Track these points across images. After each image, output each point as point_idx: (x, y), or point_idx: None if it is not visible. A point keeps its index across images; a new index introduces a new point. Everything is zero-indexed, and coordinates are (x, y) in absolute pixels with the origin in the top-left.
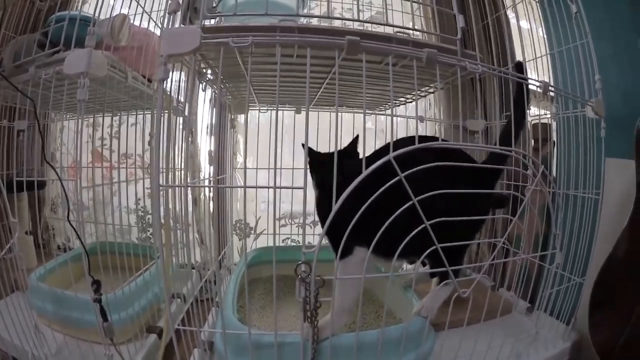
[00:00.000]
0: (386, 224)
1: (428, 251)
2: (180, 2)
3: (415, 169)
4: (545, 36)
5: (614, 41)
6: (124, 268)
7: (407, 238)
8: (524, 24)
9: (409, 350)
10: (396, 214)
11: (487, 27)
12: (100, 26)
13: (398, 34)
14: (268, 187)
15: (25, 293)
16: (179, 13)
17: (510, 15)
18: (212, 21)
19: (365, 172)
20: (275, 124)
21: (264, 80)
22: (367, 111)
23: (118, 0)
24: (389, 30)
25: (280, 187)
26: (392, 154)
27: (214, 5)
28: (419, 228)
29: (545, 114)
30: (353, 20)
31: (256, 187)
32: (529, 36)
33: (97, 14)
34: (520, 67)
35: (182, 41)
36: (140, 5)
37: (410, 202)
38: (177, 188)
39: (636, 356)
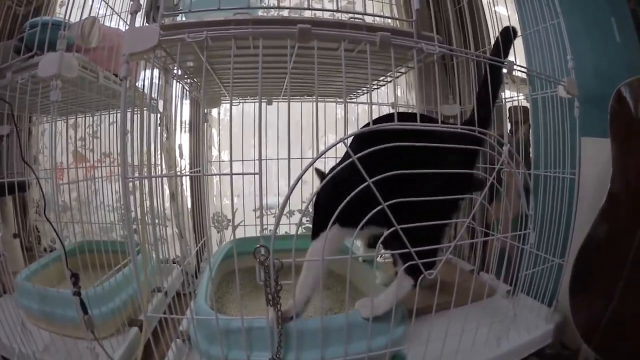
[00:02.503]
0: (347, 198)
1: (387, 232)
2: (142, 2)
3: (377, 148)
4: (518, 18)
5: (587, 20)
6: (108, 265)
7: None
8: (500, 9)
9: (378, 334)
10: (355, 192)
11: (461, 11)
12: (72, 29)
13: (352, 19)
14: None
15: (13, 295)
16: (142, 12)
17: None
18: (183, 18)
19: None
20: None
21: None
22: (338, 100)
23: (89, 2)
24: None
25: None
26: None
27: (175, 3)
28: (378, 208)
29: (519, 96)
30: (302, 8)
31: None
32: (500, 19)
33: (68, 18)
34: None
35: (142, 39)
36: (110, 6)
37: (365, 184)
38: (153, 183)
39: (619, 336)
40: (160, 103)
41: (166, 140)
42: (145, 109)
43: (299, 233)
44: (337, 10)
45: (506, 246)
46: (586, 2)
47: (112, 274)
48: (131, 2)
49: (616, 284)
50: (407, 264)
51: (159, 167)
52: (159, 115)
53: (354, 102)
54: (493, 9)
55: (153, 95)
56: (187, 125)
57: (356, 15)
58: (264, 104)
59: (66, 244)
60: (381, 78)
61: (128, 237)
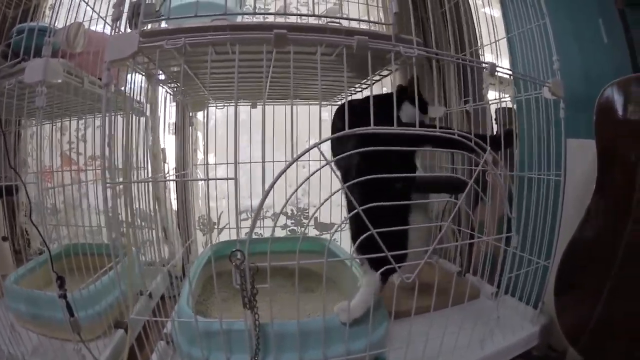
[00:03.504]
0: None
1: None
2: (123, 10)
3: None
4: (502, 19)
5: (575, 20)
6: (95, 268)
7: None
8: (487, 10)
9: (357, 337)
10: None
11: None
12: (57, 35)
13: (330, 23)
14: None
15: (2, 299)
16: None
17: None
18: (164, 24)
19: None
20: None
21: (216, 78)
22: (323, 102)
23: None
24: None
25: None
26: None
27: (157, 9)
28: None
29: (504, 98)
30: (278, 14)
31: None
32: (487, 21)
33: (54, 23)
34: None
35: (123, 47)
36: (95, 11)
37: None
38: (136, 186)
39: (607, 338)
40: (147, 107)
41: (152, 143)
42: (130, 112)
43: (281, 235)
44: (314, 15)
45: (491, 248)
46: (573, 3)
47: (98, 277)
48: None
49: (603, 285)
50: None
51: (144, 171)
52: (144, 118)
53: (329, 104)
54: (481, 10)
55: (139, 99)
56: (173, 129)
57: (334, 19)
58: (249, 107)
59: (54, 247)
60: (364, 80)
61: (111, 241)
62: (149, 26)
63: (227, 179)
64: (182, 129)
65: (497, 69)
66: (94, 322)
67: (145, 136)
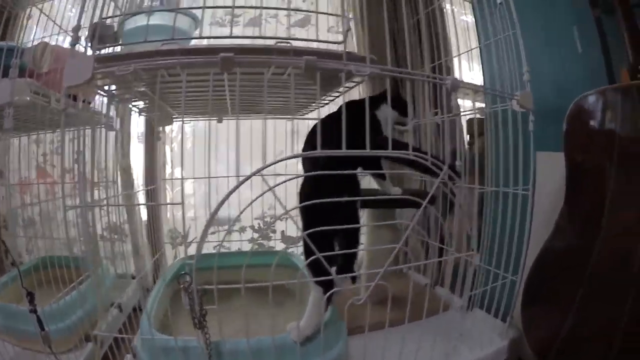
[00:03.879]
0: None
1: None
2: (80, 34)
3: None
4: (476, 28)
5: (548, 29)
6: (70, 280)
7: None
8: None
9: (311, 355)
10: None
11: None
12: (25, 54)
13: (279, 44)
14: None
15: None
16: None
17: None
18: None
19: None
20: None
21: (178, 96)
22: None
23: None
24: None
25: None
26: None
27: (115, 30)
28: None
29: (473, 109)
30: (223, 37)
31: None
32: (460, 29)
33: (21, 42)
34: None
35: (78, 72)
36: (61, 28)
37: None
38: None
39: (576, 354)
40: (117, 120)
41: (122, 158)
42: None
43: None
44: (260, 37)
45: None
46: (547, 11)
47: (69, 291)
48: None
49: (572, 300)
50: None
51: (115, 185)
52: (114, 133)
53: (276, 118)
54: (455, 18)
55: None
56: (142, 138)
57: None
58: (214, 122)
59: (30, 259)
60: (322, 98)
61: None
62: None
63: (173, 203)
64: (151, 143)
65: (460, 84)
66: (65, 335)
67: (115, 150)
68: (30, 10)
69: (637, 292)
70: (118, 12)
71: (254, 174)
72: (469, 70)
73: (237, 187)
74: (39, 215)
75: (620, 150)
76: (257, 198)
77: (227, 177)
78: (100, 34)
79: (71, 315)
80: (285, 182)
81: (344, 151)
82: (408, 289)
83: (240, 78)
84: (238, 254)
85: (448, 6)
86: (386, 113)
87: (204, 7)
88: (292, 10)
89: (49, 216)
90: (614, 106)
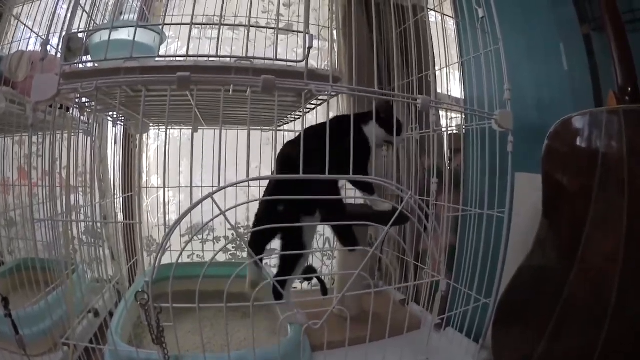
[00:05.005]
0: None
1: None
2: (49, 49)
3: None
4: (456, 43)
5: (533, 45)
6: (48, 283)
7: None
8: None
9: None
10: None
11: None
12: (2, 63)
13: (238, 62)
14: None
15: None
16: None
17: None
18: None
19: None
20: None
21: (153, 107)
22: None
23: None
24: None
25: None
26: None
27: (83, 43)
28: None
29: (450, 126)
30: (181, 56)
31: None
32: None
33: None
34: None
35: (45, 89)
36: (36, 33)
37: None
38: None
39: None
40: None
41: (100, 164)
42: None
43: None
44: (219, 56)
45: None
46: (533, 26)
47: (45, 295)
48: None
49: (546, 323)
50: None
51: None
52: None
53: (235, 129)
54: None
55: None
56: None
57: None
58: (189, 132)
59: (11, 260)
60: (292, 113)
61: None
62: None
63: (133, 222)
64: (127, 151)
65: (431, 104)
66: (40, 339)
67: (92, 156)
68: (21, 9)
69: (613, 319)
70: (92, 23)
71: (209, 195)
72: (453, 83)
73: (190, 210)
74: (21, 216)
75: (603, 173)
76: (208, 222)
77: (201, 187)
78: (70, 47)
79: (46, 319)
80: (236, 206)
81: (301, 176)
82: (381, 305)
83: (209, 91)
84: (212, 264)
85: (433, 18)
86: (377, 132)
87: (163, 24)
88: (252, 27)
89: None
90: (599, 127)
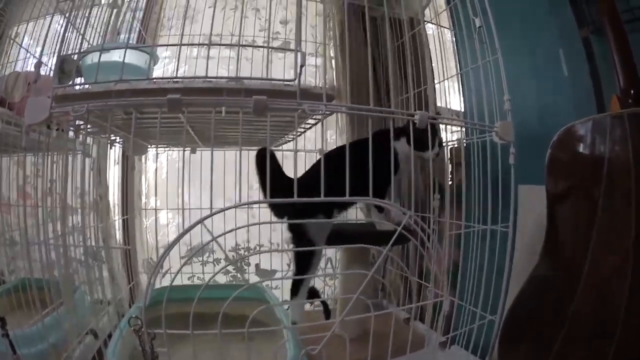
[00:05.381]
0: None
1: None
2: (43, 72)
3: None
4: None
5: (533, 53)
6: (48, 303)
7: None
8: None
9: None
10: None
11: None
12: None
13: (230, 83)
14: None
15: None
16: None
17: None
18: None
19: None
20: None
21: (150, 129)
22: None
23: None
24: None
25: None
26: None
27: (78, 65)
28: None
29: (452, 141)
30: (168, 78)
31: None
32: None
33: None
34: None
35: (37, 111)
36: (31, 53)
37: None
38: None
39: None
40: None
41: (99, 185)
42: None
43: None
44: (208, 77)
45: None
46: (532, 34)
47: (44, 317)
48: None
49: (553, 341)
50: None
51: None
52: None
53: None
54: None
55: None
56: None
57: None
58: (187, 152)
59: (12, 279)
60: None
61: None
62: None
63: (123, 247)
64: (125, 173)
65: (428, 119)
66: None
67: (91, 178)
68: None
69: (622, 332)
70: (85, 44)
71: (200, 221)
72: (453, 96)
73: (178, 238)
74: (20, 236)
75: (608, 182)
76: (201, 248)
77: (200, 209)
78: (64, 68)
79: (44, 340)
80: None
81: (299, 199)
82: (385, 324)
83: (204, 112)
84: (215, 286)
85: (431, 31)
86: (404, 149)
87: (152, 45)
88: (243, 46)
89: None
90: (603, 134)
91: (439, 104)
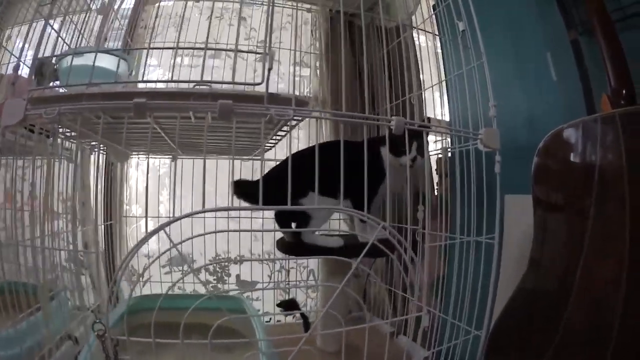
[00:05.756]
0: None
1: None
2: (21, 72)
3: None
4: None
5: (520, 57)
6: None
7: None
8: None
9: None
10: None
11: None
12: None
13: (197, 87)
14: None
15: None
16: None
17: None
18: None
19: None
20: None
21: (132, 135)
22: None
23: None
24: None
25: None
26: None
27: (55, 68)
28: None
29: (436, 150)
30: (135, 81)
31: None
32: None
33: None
34: None
35: (13, 113)
36: (16, 57)
37: None
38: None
39: None
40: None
41: (82, 190)
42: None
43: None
44: (174, 81)
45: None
46: (518, 37)
47: (21, 320)
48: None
49: (544, 352)
50: None
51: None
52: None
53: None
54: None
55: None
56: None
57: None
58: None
59: None
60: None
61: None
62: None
63: (87, 251)
64: (109, 180)
65: (405, 125)
66: None
67: (74, 183)
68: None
69: (617, 343)
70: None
71: (162, 227)
72: (440, 104)
73: (140, 244)
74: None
75: (600, 188)
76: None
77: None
78: (43, 71)
79: (23, 343)
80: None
81: (261, 207)
82: (368, 338)
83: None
84: (192, 296)
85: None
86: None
87: (126, 49)
88: (210, 49)
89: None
90: (593, 137)
91: (430, 114)
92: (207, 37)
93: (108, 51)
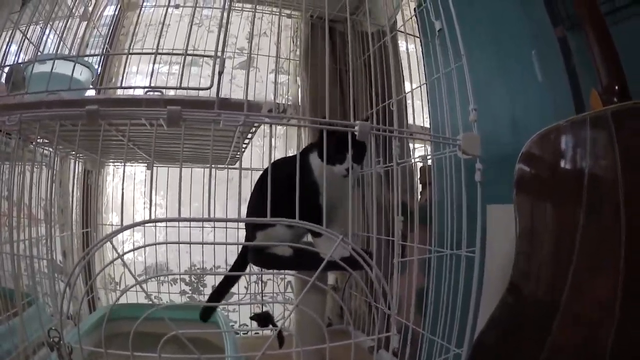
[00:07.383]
0: None
1: None
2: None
3: None
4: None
5: (503, 57)
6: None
7: None
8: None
9: None
10: None
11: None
12: None
13: (149, 93)
14: None
15: None
16: None
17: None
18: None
19: None
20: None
21: (109, 143)
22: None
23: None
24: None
25: None
26: None
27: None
28: None
29: (416, 157)
30: (89, 88)
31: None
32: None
33: None
34: None
35: None
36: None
37: None
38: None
39: None
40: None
41: (60, 197)
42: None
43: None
44: (123, 87)
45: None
46: (500, 36)
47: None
48: None
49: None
50: None
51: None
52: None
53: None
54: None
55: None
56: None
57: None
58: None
59: None
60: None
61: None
62: None
63: (48, 258)
64: (86, 188)
65: (370, 130)
66: None
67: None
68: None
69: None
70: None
71: (108, 237)
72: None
73: (87, 253)
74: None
75: (591, 196)
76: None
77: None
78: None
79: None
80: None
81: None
82: (346, 354)
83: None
84: (172, 307)
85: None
86: (315, 163)
87: (102, 54)
88: (165, 54)
89: None
90: (582, 139)
91: (416, 120)
92: (157, 45)
93: (65, 58)
